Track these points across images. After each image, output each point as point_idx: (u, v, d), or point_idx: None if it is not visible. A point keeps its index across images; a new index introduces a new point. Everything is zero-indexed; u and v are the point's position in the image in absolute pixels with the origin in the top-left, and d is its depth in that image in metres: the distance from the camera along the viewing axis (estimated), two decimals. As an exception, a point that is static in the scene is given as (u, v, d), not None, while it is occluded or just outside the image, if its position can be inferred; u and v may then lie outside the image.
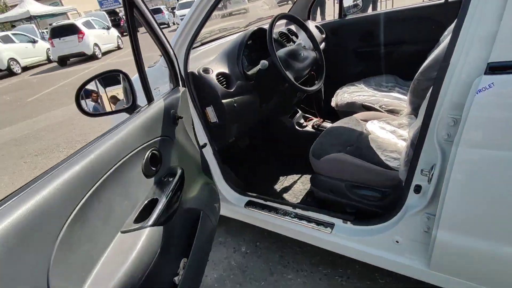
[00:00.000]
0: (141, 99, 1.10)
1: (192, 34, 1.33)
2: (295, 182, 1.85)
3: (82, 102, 1.07)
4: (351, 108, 1.80)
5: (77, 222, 0.66)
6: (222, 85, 1.41)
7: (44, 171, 0.67)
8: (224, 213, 1.69)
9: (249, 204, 1.57)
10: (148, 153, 0.93)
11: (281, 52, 1.50)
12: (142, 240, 0.78)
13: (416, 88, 1.36)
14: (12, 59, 11.11)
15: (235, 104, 1.43)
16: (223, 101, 1.38)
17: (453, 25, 0.79)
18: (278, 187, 1.84)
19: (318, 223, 1.36)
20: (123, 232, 0.79)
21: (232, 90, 1.43)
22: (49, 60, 12.55)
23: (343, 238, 1.28)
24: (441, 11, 1.93)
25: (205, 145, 1.47)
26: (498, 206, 0.78)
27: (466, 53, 0.73)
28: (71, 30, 10.66)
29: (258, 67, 1.47)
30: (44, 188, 0.60)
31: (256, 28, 1.63)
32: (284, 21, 1.91)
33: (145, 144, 0.93)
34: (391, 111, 1.66)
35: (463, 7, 0.73)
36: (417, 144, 0.93)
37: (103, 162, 0.76)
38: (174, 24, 17.55)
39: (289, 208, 1.47)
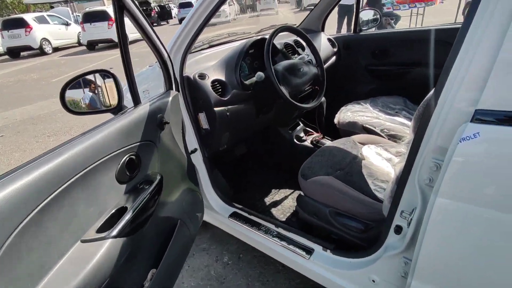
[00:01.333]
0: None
1: (190, 38, 1.29)
2: (286, 197, 1.79)
3: (67, 100, 1.08)
4: (352, 128, 1.72)
5: (30, 228, 0.62)
6: (217, 92, 1.38)
7: (2, 173, 0.64)
8: (208, 220, 1.67)
9: (233, 215, 1.53)
10: (125, 158, 0.89)
11: (279, 65, 1.45)
12: (102, 251, 0.74)
13: (420, 116, 1.27)
14: (45, 39, 11.61)
15: (228, 113, 1.39)
16: (215, 108, 1.35)
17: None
18: (268, 200, 1.79)
19: (298, 246, 1.30)
20: (83, 241, 0.75)
21: (226, 98, 1.39)
22: (79, 43, 12.97)
23: (321, 266, 1.22)
24: None
25: (195, 150, 1.44)
26: (473, 266, 0.70)
27: (454, 94, 0.66)
28: (102, 16, 10.97)
29: (255, 78, 1.43)
30: None
31: (259, 37, 1.58)
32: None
33: (123, 149, 0.89)
34: (393, 137, 1.57)
35: (456, 44, 0.65)
36: (399, 183, 0.86)
37: (70, 166, 0.73)
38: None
39: (272, 226, 1.42)
